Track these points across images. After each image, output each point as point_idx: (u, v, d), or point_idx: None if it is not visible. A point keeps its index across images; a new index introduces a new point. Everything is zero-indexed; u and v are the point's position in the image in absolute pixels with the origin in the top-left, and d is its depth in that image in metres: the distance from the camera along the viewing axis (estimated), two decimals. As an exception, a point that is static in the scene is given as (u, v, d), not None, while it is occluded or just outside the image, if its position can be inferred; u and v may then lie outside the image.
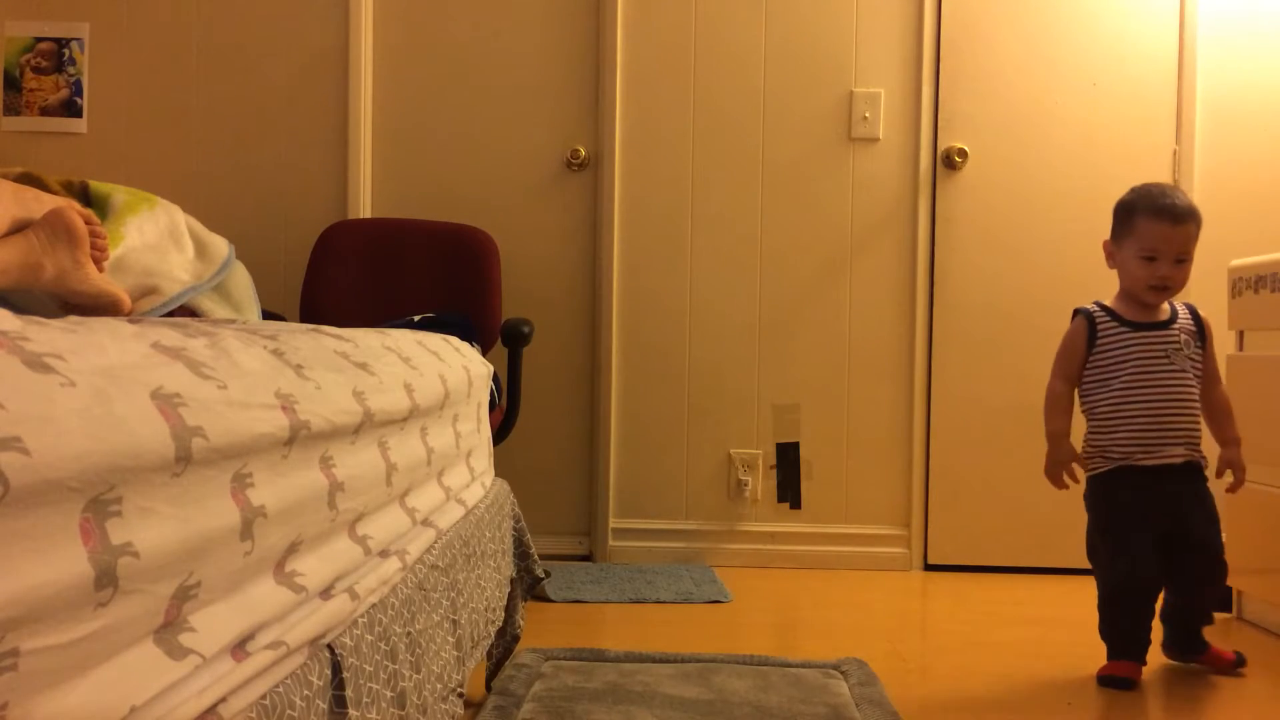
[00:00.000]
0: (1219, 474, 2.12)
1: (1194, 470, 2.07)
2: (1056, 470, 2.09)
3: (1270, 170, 3.06)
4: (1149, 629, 2.03)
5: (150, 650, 0.65)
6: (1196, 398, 2.07)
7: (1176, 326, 2.09)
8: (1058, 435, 2.10)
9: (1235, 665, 2.07)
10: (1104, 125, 3.06)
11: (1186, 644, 2.10)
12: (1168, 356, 2.06)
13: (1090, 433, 2.12)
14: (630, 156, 3.10)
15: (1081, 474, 2.12)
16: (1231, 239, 3.01)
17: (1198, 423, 2.08)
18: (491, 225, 3.01)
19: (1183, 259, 2.05)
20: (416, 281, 2.86)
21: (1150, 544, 2.02)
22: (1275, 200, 3.06)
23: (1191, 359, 2.08)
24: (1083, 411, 2.15)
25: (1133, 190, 2.12)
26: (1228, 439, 2.13)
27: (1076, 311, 2.17)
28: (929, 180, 3.06)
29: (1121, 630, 2.03)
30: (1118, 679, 1.99)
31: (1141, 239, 2.05)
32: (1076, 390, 2.15)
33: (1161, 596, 2.09)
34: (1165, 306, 2.12)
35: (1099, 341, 2.10)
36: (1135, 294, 2.09)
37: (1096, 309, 2.13)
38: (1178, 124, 3.05)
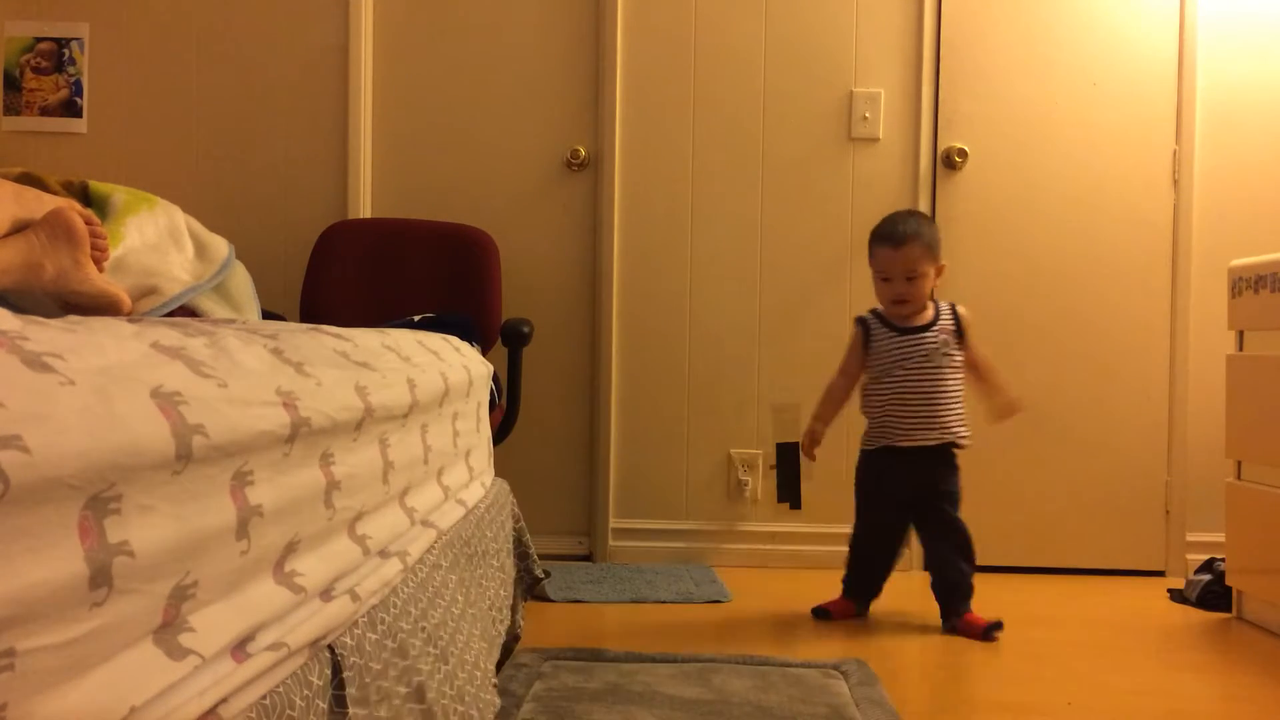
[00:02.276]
0: (1000, 418, 2.47)
1: (945, 450, 2.44)
2: (805, 441, 2.57)
3: (1270, 170, 3.06)
4: (873, 582, 2.51)
5: (149, 650, 0.65)
6: (953, 389, 2.44)
7: (937, 328, 2.45)
8: (816, 419, 2.57)
9: (989, 630, 2.31)
10: (1104, 125, 3.06)
11: (946, 614, 2.40)
12: (927, 356, 2.43)
13: (868, 421, 2.54)
14: (630, 156, 3.10)
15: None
16: (1231, 239, 3.02)
17: (951, 410, 2.44)
18: (491, 225, 3.01)
19: (913, 277, 2.42)
20: (417, 281, 2.86)
21: (890, 515, 2.49)
22: (1275, 200, 3.06)
23: (949, 355, 2.44)
24: (862, 411, 2.55)
25: (879, 223, 2.52)
26: (996, 389, 2.47)
27: (857, 319, 2.55)
28: (929, 180, 3.06)
29: (852, 575, 2.52)
30: (824, 610, 2.47)
31: (877, 264, 2.48)
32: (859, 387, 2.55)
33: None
34: (928, 311, 2.47)
35: (872, 345, 2.49)
36: (888, 313, 2.49)
37: (871, 317, 2.51)
38: (1178, 124, 3.05)
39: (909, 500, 2.46)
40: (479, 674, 1.21)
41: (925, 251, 2.43)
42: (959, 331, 2.46)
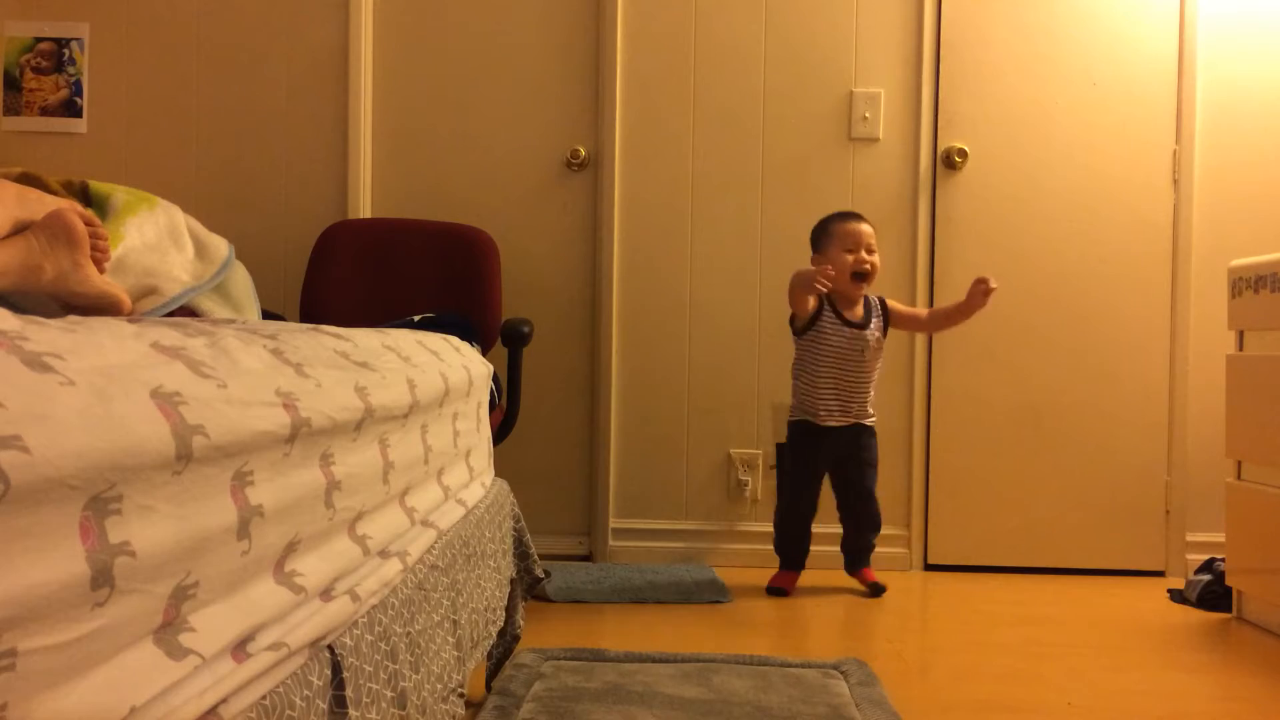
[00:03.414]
0: (974, 305, 2.67)
1: (859, 429, 2.74)
2: (815, 276, 2.57)
3: (1270, 170, 3.06)
4: (804, 547, 2.77)
5: (150, 650, 0.65)
6: (874, 378, 2.75)
7: (872, 327, 2.72)
8: (806, 273, 2.60)
9: (875, 590, 2.72)
10: (1104, 125, 3.06)
11: (851, 564, 2.80)
12: (860, 352, 2.70)
13: (794, 391, 2.78)
14: (630, 156, 3.10)
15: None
16: (1231, 239, 3.02)
17: (870, 396, 2.75)
18: (491, 225, 3.01)
19: (871, 250, 2.70)
20: (416, 281, 2.86)
21: (812, 483, 2.76)
22: (1275, 200, 3.06)
23: (879, 349, 2.74)
24: (793, 373, 2.79)
25: (819, 222, 2.77)
26: (962, 309, 2.70)
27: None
28: (929, 180, 3.06)
29: (786, 546, 2.78)
30: (777, 589, 2.71)
31: (840, 239, 2.69)
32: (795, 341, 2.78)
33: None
34: (861, 308, 2.72)
35: (819, 323, 2.71)
36: (841, 287, 2.66)
37: (823, 296, 2.69)
38: (1178, 124, 3.05)
39: (829, 469, 2.78)
40: (440, 686, 1.21)
41: (872, 234, 2.72)
42: (886, 323, 2.76)
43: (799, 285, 2.61)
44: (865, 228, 2.70)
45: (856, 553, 2.80)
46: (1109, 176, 3.06)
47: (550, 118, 3.11)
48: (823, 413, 2.71)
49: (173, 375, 0.71)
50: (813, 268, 2.60)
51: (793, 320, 2.76)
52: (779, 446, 3.09)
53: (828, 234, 2.72)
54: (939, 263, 3.07)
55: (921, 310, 2.86)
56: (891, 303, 2.79)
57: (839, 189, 3.09)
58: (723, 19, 3.09)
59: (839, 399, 2.71)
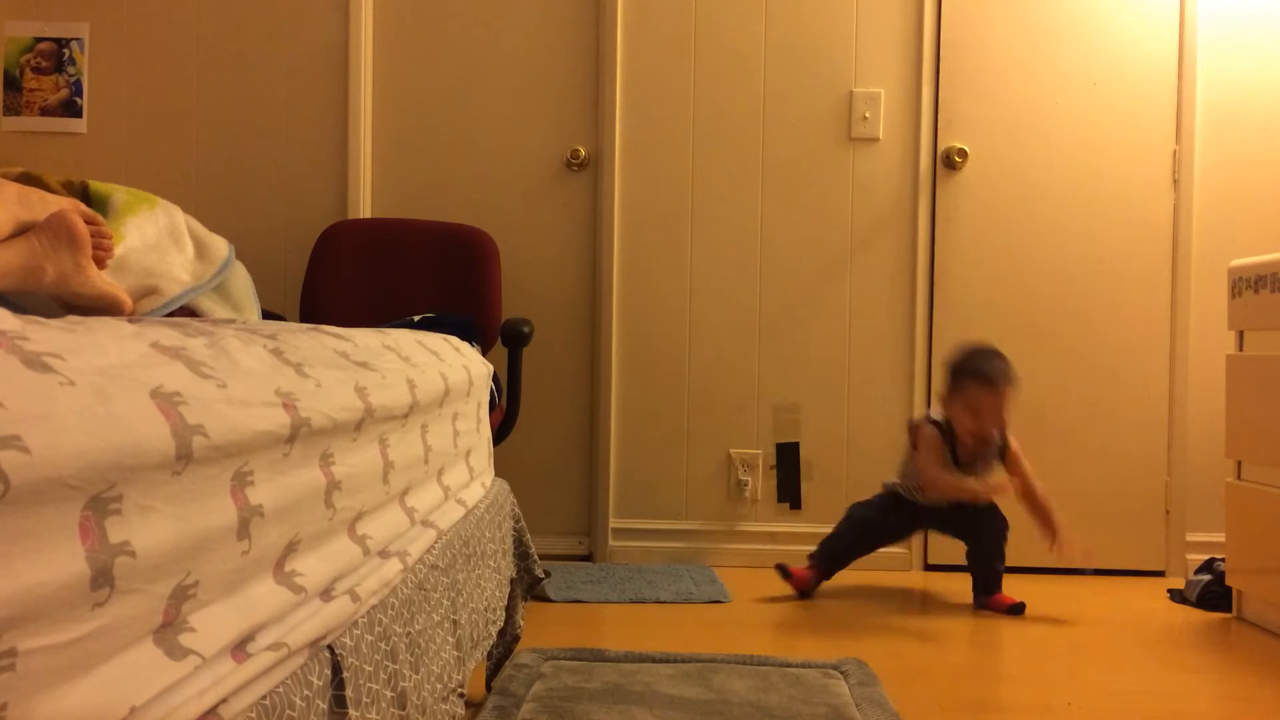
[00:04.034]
0: (1066, 558, 2.65)
1: (977, 510, 2.68)
2: (983, 490, 2.60)
3: (1270, 170, 3.06)
4: (835, 571, 2.74)
5: (150, 650, 0.65)
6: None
7: (980, 463, 2.65)
8: (963, 485, 2.61)
9: (1016, 609, 2.57)
10: (1104, 125, 3.06)
11: (985, 591, 2.66)
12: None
13: (905, 474, 2.73)
14: (630, 157, 3.10)
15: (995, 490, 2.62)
16: (1231, 239, 3.02)
17: None
18: (491, 225, 3.01)
19: (1000, 414, 2.59)
20: (416, 281, 2.86)
21: (887, 541, 2.79)
22: (1275, 200, 3.06)
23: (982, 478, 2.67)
24: (904, 466, 2.74)
25: (964, 354, 2.65)
26: (1050, 530, 2.63)
27: (930, 422, 2.66)
28: (929, 180, 3.06)
29: (833, 558, 2.73)
30: (794, 579, 2.68)
31: (967, 399, 2.60)
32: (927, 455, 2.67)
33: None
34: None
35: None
36: (960, 436, 2.62)
37: (945, 428, 2.64)
38: (1178, 124, 3.05)
39: (933, 528, 2.78)
40: (440, 686, 1.21)
41: (1014, 395, 2.61)
42: (1003, 458, 2.67)
43: (957, 494, 2.61)
44: (1000, 395, 2.58)
45: (987, 581, 2.67)
46: (1109, 176, 3.06)
47: (550, 118, 3.11)
48: (923, 498, 2.70)
49: (173, 375, 0.71)
50: (976, 490, 2.59)
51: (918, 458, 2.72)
52: (779, 446, 3.09)
53: (962, 387, 2.62)
54: (939, 263, 3.07)
55: (1027, 479, 2.67)
56: (1014, 444, 2.67)
57: (839, 189, 3.09)
58: (723, 19, 3.09)
59: (939, 502, 2.68)
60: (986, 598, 2.64)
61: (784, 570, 2.71)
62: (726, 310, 3.10)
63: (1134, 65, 3.06)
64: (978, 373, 2.60)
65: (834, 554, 2.74)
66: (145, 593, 0.63)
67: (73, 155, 3.11)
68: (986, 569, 2.66)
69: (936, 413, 2.70)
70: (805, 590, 2.69)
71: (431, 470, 1.40)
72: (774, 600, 2.66)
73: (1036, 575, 2.96)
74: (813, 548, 2.79)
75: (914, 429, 2.72)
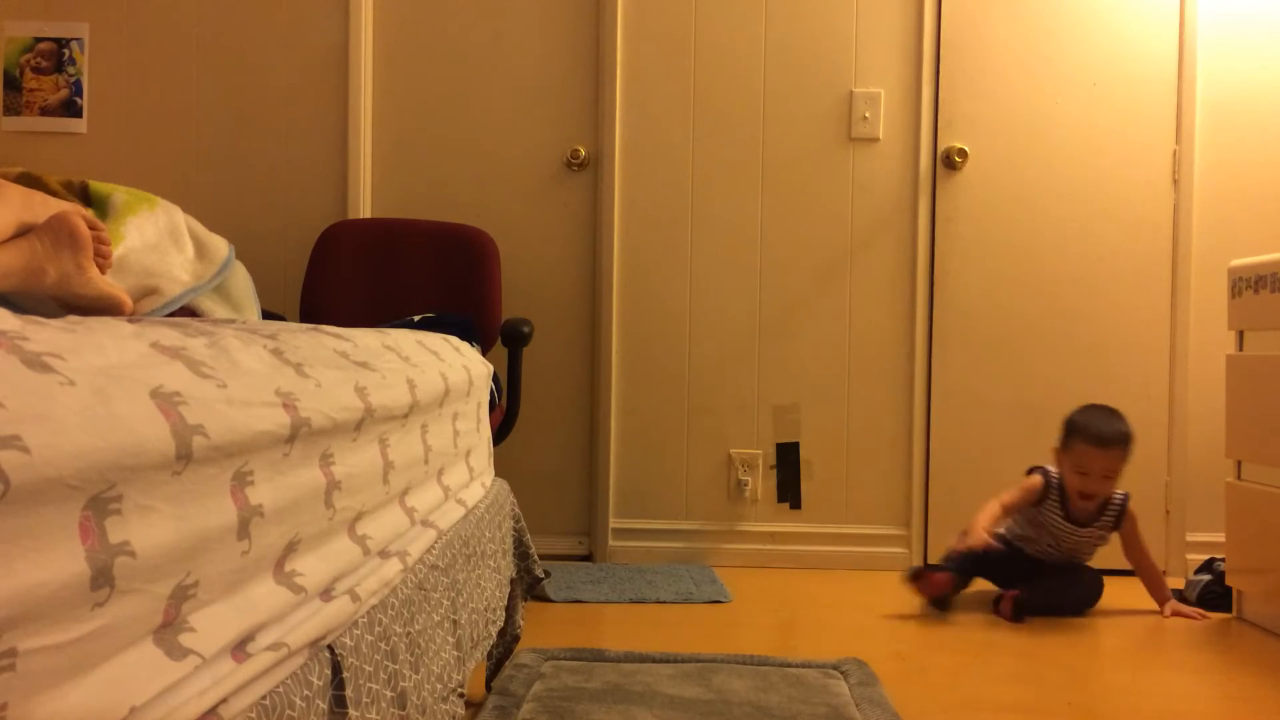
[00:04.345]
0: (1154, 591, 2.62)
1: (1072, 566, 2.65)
2: (974, 540, 2.55)
3: (1270, 170, 3.06)
4: (972, 569, 2.59)
5: (150, 650, 0.65)
6: (1090, 556, 2.67)
7: (1096, 525, 2.60)
8: (978, 529, 2.55)
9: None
10: (1104, 125, 3.06)
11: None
12: (1076, 547, 2.62)
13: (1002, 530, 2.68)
14: (630, 156, 3.10)
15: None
16: (1231, 239, 3.02)
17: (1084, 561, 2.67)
18: (491, 225, 3.01)
19: (1110, 476, 2.55)
20: (416, 281, 2.86)
21: (1021, 564, 2.63)
22: (1275, 200, 3.06)
23: (1093, 542, 2.63)
24: (1004, 514, 2.65)
25: (1080, 411, 2.61)
26: (1161, 599, 2.60)
27: (1041, 474, 2.63)
28: (929, 180, 3.06)
29: (959, 556, 2.56)
30: (922, 575, 2.54)
31: (1075, 458, 2.55)
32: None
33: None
34: (1093, 507, 2.59)
35: (1042, 509, 2.62)
36: (1070, 496, 2.58)
37: (1056, 483, 2.61)
38: (1178, 124, 3.05)
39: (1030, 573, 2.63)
40: (440, 686, 1.22)
41: (1127, 455, 2.56)
42: (1119, 523, 2.62)
43: (971, 531, 2.56)
44: (1109, 456, 2.52)
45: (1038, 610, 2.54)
46: (1109, 176, 3.06)
47: (550, 118, 3.11)
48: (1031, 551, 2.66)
49: (173, 375, 0.71)
50: (974, 542, 2.53)
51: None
52: (779, 446, 3.09)
53: (1073, 446, 2.56)
54: (939, 263, 3.07)
55: (1140, 546, 2.64)
56: (1132, 510, 2.63)
57: (839, 189, 3.09)
58: (723, 19, 3.09)
59: (1049, 557, 2.65)
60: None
61: (930, 590, 2.55)
62: (726, 310, 3.10)
63: (1134, 65, 3.06)
64: (1087, 431, 2.54)
65: (981, 562, 2.59)
66: (145, 593, 0.63)
67: (73, 155, 3.11)
68: (1055, 608, 2.54)
69: (1055, 467, 2.64)
70: (941, 598, 2.55)
71: (431, 470, 1.40)
72: (774, 600, 2.66)
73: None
74: (813, 548, 2.80)
75: (1027, 474, 2.68)
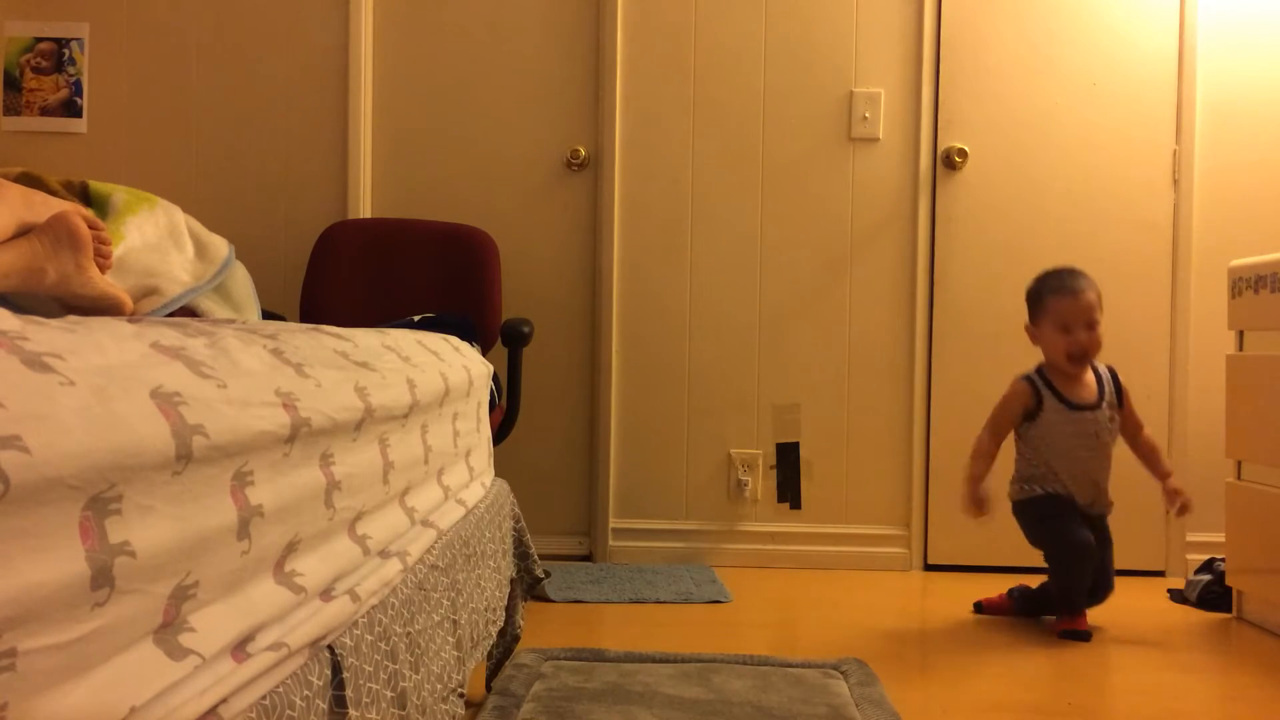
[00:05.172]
0: (1168, 506, 2.46)
1: (1102, 517, 2.48)
2: (970, 507, 2.43)
3: (1270, 170, 3.06)
4: (1088, 586, 2.40)
5: (150, 650, 0.65)
6: (1110, 462, 2.46)
7: (1103, 406, 2.44)
8: (975, 479, 2.43)
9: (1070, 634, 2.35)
10: (1104, 125, 3.06)
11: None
12: (1094, 436, 2.43)
13: (1020, 473, 2.50)
14: (630, 156, 3.10)
15: (996, 503, 2.46)
16: (1231, 239, 3.02)
17: (1108, 481, 2.47)
18: (491, 225, 3.01)
19: (1092, 325, 2.39)
20: (416, 281, 2.86)
21: (1083, 533, 2.37)
22: (1275, 200, 3.06)
23: (1112, 429, 2.45)
24: (1016, 451, 2.50)
25: (1037, 279, 2.48)
26: (1164, 473, 2.47)
27: (1024, 380, 2.47)
28: (929, 180, 3.06)
29: (1078, 589, 2.37)
30: (1079, 632, 2.33)
31: (1052, 316, 2.40)
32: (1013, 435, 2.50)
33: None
34: (1092, 383, 2.44)
35: (1040, 416, 2.43)
36: (1058, 364, 2.42)
37: (1040, 383, 2.44)
38: (1178, 124, 3.05)
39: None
40: (440, 686, 1.22)
41: (1100, 298, 2.41)
42: (1118, 397, 2.47)
43: (965, 489, 2.43)
44: (1084, 300, 2.38)
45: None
46: (1109, 176, 3.06)
47: (550, 118, 3.11)
48: (1065, 493, 2.43)
49: (173, 375, 0.71)
50: (977, 500, 2.40)
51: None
52: (779, 446, 3.09)
53: (1042, 306, 2.43)
54: (939, 263, 3.07)
55: (1138, 424, 2.50)
56: (1124, 383, 2.49)
57: (839, 189, 3.09)
58: (723, 19, 3.09)
59: (1081, 490, 2.43)
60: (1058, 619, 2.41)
61: (1080, 634, 2.34)
62: (726, 310, 3.10)
63: (1134, 65, 3.06)
64: (1054, 284, 2.41)
65: (1080, 587, 2.38)
66: (145, 593, 0.63)
67: (73, 155, 3.11)
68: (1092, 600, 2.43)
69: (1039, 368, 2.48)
70: (1086, 625, 2.38)
71: (431, 470, 1.40)
72: (774, 600, 2.66)
73: (1038, 575, 2.96)
74: (813, 548, 2.80)
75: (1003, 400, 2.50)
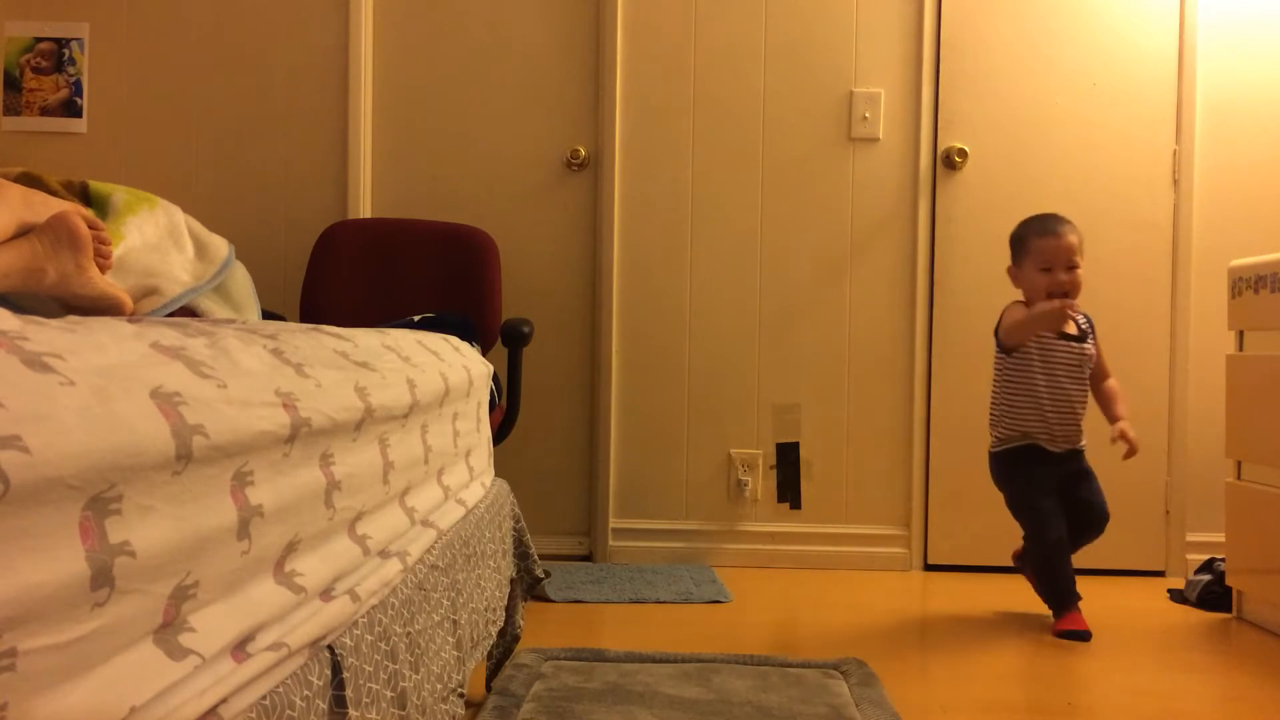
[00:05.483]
0: (1113, 439, 2.47)
1: (1079, 454, 2.50)
2: (1056, 306, 2.36)
3: (1270, 170, 3.06)
4: (1073, 575, 2.42)
5: (150, 650, 0.65)
6: (1087, 397, 2.49)
7: (1089, 342, 2.48)
8: (1034, 310, 2.40)
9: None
10: (1104, 125, 3.06)
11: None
12: (1080, 368, 2.46)
13: (1002, 414, 2.51)
14: (630, 156, 3.10)
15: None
16: (1231, 239, 3.02)
17: (1084, 416, 2.49)
18: (491, 225, 3.01)
19: (1073, 266, 2.41)
20: (416, 281, 2.86)
21: (1058, 507, 2.43)
22: (1275, 200, 3.06)
23: (1091, 366, 2.49)
24: (996, 390, 2.53)
25: (1020, 224, 2.52)
26: (1116, 417, 2.50)
27: (1015, 303, 2.51)
28: (929, 180, 3.06)
29: (1061, 585, 2.41)
30: (1078, 632, 2.34)
31: (1035, 256, 2.44)
32: (999, 365, 2.54)
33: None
34: (1072, 328, 2.46)
35: (1035, 340, 2.45)
36: (1037, 303, 2.41)
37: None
38: (1178, 124, 3.05)
39: (1062, 499, 2.45)
40: (440, 686, 1.22)
41: (1081, 242, 2.44)
42: (1093, 339, 2.52)
43: (1038, 323, 2.39)
44: (1066, 241, 2.41)
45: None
46: (1109, 176, 3.06)
47: (550, 118, 3.12)
48: (1043, 437, 2.45)
49: (173, 375, 0.71)
50: (1054, 305, 2.35)
51: (999, 335, 2.52)
52: (779, 446, 3.09)
53: (1025, 248, 2.47)
54: (939, 263, 3.07)
55: (1106, 372, 2.54)
56: (1091, 320, 2.55)
57: (839, 189, 3.09)
58: (723, 19, 3.09)
59: (1061, 421, 2.45)
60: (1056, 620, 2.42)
61: (1078, 634, 2.35)
62: (726, 310, 3.10)
63: (1134, 65, 3.06)
64: (1036, 227, 2.46)
65: (1060, 581, 2.42)
66: (145, 593, 0.63)
67: (73, 155, 3.11)
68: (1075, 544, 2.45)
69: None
70: (1085, 625, 2.36)
71: (431, 470, 1.40)
72: (774, 600, 2.66)
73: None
74: (813, 548, 2.80)
75: (1000, 319, 2.52)
